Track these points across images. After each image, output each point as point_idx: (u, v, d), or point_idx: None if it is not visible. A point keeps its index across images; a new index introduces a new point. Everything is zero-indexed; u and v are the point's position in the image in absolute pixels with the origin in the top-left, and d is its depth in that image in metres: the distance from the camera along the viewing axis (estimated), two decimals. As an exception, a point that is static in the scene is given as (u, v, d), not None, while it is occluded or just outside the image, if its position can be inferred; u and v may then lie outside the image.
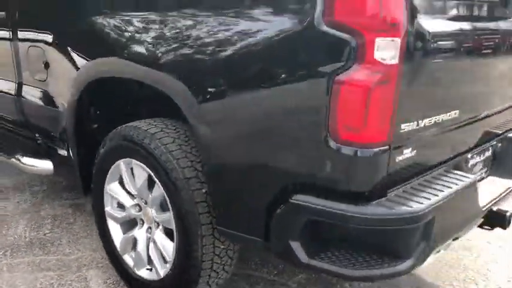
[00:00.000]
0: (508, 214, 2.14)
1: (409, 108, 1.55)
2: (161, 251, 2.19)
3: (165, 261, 2.17)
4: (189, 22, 1.82)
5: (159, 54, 1.91)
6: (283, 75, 1.59)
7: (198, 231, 1.95)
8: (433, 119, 1.67)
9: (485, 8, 1.82)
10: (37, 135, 3.04)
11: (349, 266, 1.58)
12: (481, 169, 2.25)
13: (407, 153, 1.62)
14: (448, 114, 1.75)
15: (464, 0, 1.70)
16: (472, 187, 1.79)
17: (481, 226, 2.22)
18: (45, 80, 2.67)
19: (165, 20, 1.91)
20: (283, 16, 1.57)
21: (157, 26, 1.93)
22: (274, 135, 1.66)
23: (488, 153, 2.26)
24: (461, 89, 1.80)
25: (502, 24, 1.90)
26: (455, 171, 1.85)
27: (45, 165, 2.90)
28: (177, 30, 1.85)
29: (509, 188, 2.21)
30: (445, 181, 1.74)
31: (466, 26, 1.68)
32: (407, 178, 1.69)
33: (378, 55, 1.41)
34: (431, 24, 1.51)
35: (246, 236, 1.84)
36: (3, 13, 2.88)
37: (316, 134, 1.52)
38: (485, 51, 1.80)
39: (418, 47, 1.48)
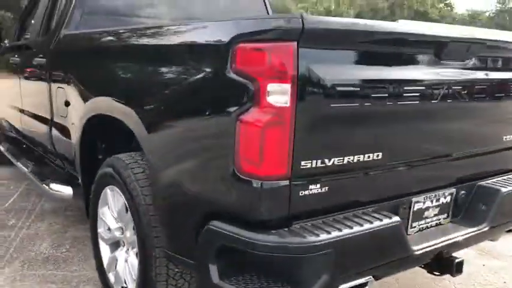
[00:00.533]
0: (456, 261, 2.14)
1: (309, 147, 1.69)
2: (131, 270, 2.43)
3: (134, 280, 2.41)
4: (138, 69, 2.20)
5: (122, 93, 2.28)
6: (203, 114, 1.82)
7: (153, 253, 2.18)
8: (345, 159, 1.79)
9: (403, 57, 1.93)
10: (64, 164, 3.49)
11: None
12: (437, 215, 2.26)
13: (316, 189, 1.75)
14: (367, 156, 1.85)
15: (375, 48, 1.84)
16: (391, 228, 1.85)
17: (430, 272, 2.23)
18: (65, 116, 3.11)
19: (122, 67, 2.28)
20: (205, 65, 1.82)
21: (120, 72, 2.30)
22: (195, 166, 1.89)
23: (445, 200, 2.27)
24: (381, 133, 1.89)
25: (430, 74, 1.99)
26: (381, 212, 1.92)
27: (66, 190, 3.31)
28: (130, 75, 2.21)
29: (462, 234, 2.20)
30: (362, 219, 1.83)
31: (378, 73, 1.81)
32: (319, 212, 1.81)
33: (270, 99, 1.60)
34: (329, 72, 1.67)
35: (182, 258, 2.03)
36: (44, 59, 3.43)
37: (226, 167, 1.71)
38: (403, 100, 1.89)
39: (314, 92, 1.64)
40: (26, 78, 3.98)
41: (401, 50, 1.90)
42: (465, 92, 2.10)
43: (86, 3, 3.29)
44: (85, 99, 2.73)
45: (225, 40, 1.70)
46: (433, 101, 1.99)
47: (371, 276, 1.89)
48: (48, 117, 3.46)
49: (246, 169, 1.67)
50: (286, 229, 1.71)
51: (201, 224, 1.84)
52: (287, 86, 1.59)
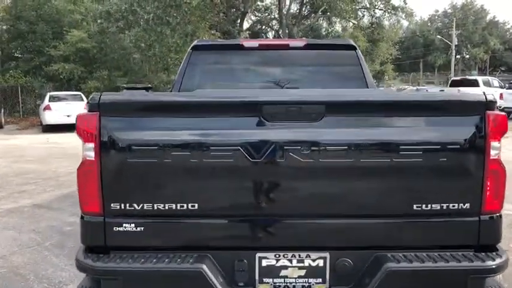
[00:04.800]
0: None
1: (116, 192, 2.15)
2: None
3: None
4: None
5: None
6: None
7: None
8: (155, 206, 2.14)
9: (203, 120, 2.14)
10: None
11: None
12: (303, 277, 2.20)
13: (130, 227, 2.17)
14: (180, 205, 2.14)
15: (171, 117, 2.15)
16: (189, 272, 2.09)
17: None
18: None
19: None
20: None
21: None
22: None
23: (313, 263, 2.19)
24: (190, 186, 2.13)
25: (246, 135, 2.11)
26: (188, 258, 2.14)
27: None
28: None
29: None
30: (167, 260, 2.12)
31: (175, 135, 2.10)
32: (137, 248, 2.19)
33: (86, 154, 2.18)
34: (128, 134, 2.12)
35: None
36: None
37: None
38: (212, 158, 2.08)
39: (113, 150, 2.12)
40: None
41: (197, 115, 2.15)
42: (308, 152, 2.09)
43: None
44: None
45: None
46: (258, 160, 2.10)
47: None
48: None
49: (80, 206, 2.26)
50: (104, 256, 2.19)
51: None
52: (92, 145, 2.15)
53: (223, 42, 4.91)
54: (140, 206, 2.17)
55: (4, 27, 29.02)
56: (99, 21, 23.01)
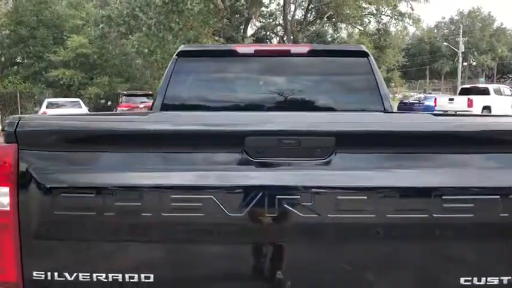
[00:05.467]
0: None
1: (41, 257, 1.53)
2: None
3: None
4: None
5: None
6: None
7: None
8: (96, 276, 1.52)
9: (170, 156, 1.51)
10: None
11: None
12: None
13: (60, 306, 1.55)
14: (130, 275, 1.51)
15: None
16: None
17: None
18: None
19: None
20: None
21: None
22: None
23: None
24: (149, 250, 1.51)
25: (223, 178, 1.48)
26: None
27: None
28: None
29: None
30: None
31: (122, 177, 1.49)
32: None
33: (-2, 201, 1.56)
34: (56, 177, 1.50)
35: None
36: None
37: None
38: (172, 211, 1.47)
39: (39, 198, 1.50)
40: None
41: (161, 149, 1.52)
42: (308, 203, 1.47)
43: None
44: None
45: None
46: (239, 215, 1.48)
47: None
48: None
49: None
50: None
51: None
52: (7, 189, 1.53)
53: (214, 48, 4.29)
54: (74, 275, 1.54)
55: (6, 32, 28.56)
56: (100, 25, 22.53)
